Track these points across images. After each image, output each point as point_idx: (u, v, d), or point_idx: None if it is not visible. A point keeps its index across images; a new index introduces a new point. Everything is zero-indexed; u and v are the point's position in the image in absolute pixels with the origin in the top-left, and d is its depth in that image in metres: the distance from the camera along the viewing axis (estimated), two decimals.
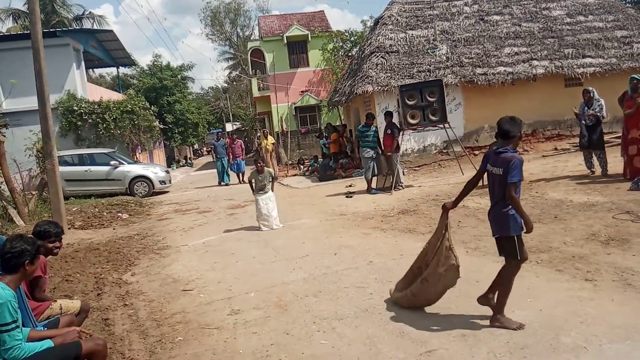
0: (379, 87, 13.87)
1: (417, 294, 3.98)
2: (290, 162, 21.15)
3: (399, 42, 15.14)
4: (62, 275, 6.16)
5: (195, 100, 40.60)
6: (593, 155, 8.90)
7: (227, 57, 47.40)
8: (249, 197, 11.67)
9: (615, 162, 8.69)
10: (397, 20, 15.82)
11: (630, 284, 4.09)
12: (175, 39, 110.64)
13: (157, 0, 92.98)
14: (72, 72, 18.15)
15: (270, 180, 8.44)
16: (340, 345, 3.62)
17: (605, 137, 9.26)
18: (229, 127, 45.42)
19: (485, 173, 3.77)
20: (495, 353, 3.24)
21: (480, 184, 4.02)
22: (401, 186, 10.62)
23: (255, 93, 29.56)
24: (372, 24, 19.94)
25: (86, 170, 15.08)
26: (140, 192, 15.19)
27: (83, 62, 19.46)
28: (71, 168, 14.88)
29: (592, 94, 8.75)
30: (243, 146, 17.45)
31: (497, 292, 3.66)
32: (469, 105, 14.46)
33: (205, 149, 55.67)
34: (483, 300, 3.76)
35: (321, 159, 16.80)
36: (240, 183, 16.24)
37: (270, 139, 17.70)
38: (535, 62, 14.51)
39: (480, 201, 8.07)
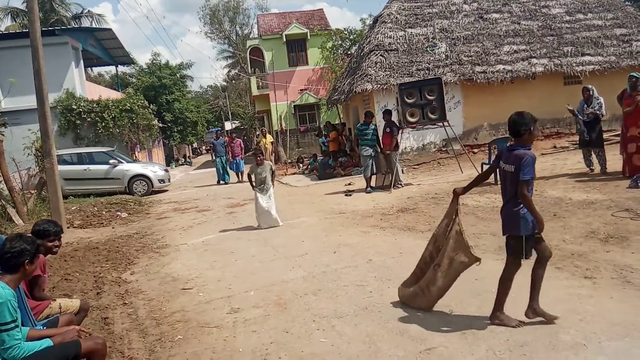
0: (378, 86, 13.86)
1: (429, 284, 3.88)
2: (289, 161, 21.15)
3: (398, 40, 15.12)
4: (61, 274, 6.16)
5: (194, 99, 40.63)
6: (592, 153, 8.91)
7: (226, 55, 47.43)
8: (248, 196, 11.67)
9: (614, 159, 8.69)
10: (396, 18, 15.79)
11: (629, 282, 4.09)
12: (174, 38, 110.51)
13: None
14: (71, 70, 18.14)
15: (270, 172, 8.33)
16: (339, 343, 3.62)
17: (605, 135, 9.27)
18: (228, 125, 45.38)
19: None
20: (495, 350, 3.24)
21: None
22: (400, 184, 10.62)
23: (254, 91, 29.54)
24: (371, 22, 19.93)
25: (85, 169, 15.07)
26: (139, 191, 15.18)
27: (82, 61, 19.45)
28: (70, 167, 14.88)
29: (591, 92, 8.75)
30: (242, 145, 17.44)
31: (533, 297, 3.53)
32: (468, 104, 14.46)
33: (204, 147, 55.67)
34: (532, 313, 3.56)
35: (320, 158, 16.80)
36: (240, 182, 16.23)
37: (269, 138, 17.70)
38: (534, 60, 14.50)
39: (479, 199, 8.07)
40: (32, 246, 3.03)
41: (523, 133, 3.47)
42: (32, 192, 12.21)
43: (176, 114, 30.04)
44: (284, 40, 26.94)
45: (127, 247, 7.74)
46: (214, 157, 17.93)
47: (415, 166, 13.60)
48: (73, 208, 11.99)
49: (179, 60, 60.29)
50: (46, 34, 15.35)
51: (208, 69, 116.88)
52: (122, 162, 15.45)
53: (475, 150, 14.26)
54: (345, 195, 10.61)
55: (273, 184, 8.41)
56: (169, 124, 29.51)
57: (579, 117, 8.77)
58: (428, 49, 14.96)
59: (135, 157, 18.98)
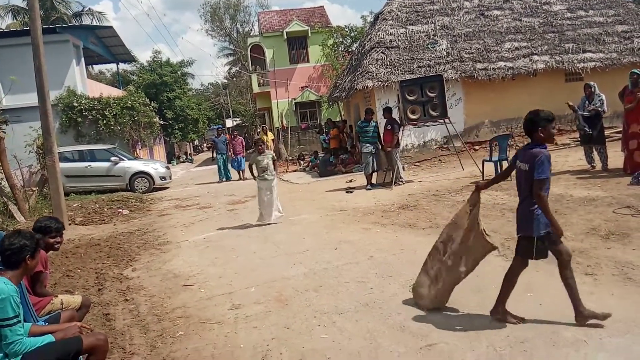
0: (379, 83, 13.85)
1: (447, 273, 3.81)
2: (290, 158, 21.15)
3: (399, 38, 15.10)
4: (63, 271, 6.18)
5: (195, 96, 40.56)
6: (593, 149, 8.90)
7: (226, 53, 47.45)
8: (250, 193, 11.69)
9: (616, 156, 8.68)
10: (397, 15, 15.77)
11: (630, 278, 4.09)
12: (175, 35, 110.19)
13: None
14: (72, 68, 18.14)
15: (272, 161, 8.28)
16: (340, 339, 3.63)
17: (606, 132, 9.25)
18: (229, 123, 45.40)
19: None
20: (496, 347, 3.25)
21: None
22: (401, 181, 10.61)
23: (255, 89, 29.54)
24: (372, 19, 19.89)
25: (86, 167, 15.09)
26: (141, 188, 15.20)
27: (83, 59, 19.44)
28: (71, 164, 14.90)
29: (593, 89, 8.74)
30: (244, 143, 17.43)
31: (575, 305, 3.40)
32: (469, 101, 14.44)
33: (205, 145, 55.62)
34: (581, 318, 3.39)
35: (321, 155, 16.80)
36: (241, 179, 16.23)
37: (270, 135, 17.70)
38: (535, 57, 14.47)
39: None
40: (32, 241, 3.03)
41: (535, 132, 3.42)
42: (34, 189, 12.23)
43: (177, 112, 30.03)
44: (285, 37, 26.90)
45: (129, 244, 7.76)
46: (215, 155, 17.93)
47: (416, 163, 13.59)
48: (74, 205, 12.00)
49: (180, 58, 60.12)
50: (47, 31, 15.40)
51: (209, 67, 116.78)
52: (123, 160, 15.46)
53: (477, 147, 14.24)
54: (346, 192, 10.61)
55: (276, 170, 8.36)
56: (170, 122, 29.51)
57: (579, 113, 8.77)
58: (429, 46, 14.94)
59: (137, 154, 19.00)
